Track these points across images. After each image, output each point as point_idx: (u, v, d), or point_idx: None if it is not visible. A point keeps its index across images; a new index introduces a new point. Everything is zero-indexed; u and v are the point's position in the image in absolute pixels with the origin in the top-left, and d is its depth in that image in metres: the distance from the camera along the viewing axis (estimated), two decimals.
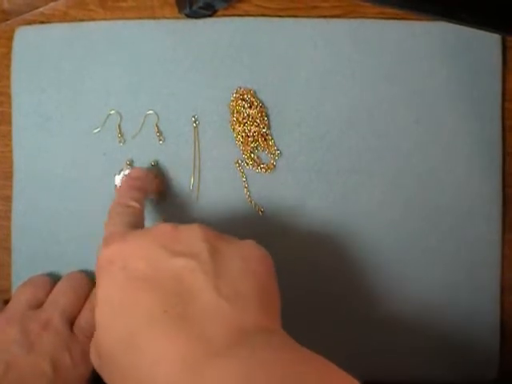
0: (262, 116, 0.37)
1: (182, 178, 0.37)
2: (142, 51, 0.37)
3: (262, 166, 0.37)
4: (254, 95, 0.37)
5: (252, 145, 0.37)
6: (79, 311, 0.34)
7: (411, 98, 0.37)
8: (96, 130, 0.37)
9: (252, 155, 0.37)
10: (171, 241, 0.26)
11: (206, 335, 0.23)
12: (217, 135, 0.37)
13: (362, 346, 0.37)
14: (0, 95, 0.38)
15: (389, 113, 0.37)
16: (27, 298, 0.34)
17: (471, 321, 0.37)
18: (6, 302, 0.36)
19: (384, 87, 0.37)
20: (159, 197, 0.37)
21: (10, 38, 0.38)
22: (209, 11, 0.37)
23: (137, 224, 0.30)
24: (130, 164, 0.37)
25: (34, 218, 0.37)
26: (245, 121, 0.37)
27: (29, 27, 0.38)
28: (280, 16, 0.38)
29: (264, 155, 0.37)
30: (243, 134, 0.37)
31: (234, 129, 0.37)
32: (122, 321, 0.24)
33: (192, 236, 0.27)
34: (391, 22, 0.38)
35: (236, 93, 0.37)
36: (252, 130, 0.37)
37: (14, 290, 0.37)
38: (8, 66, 0.38)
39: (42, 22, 0.38)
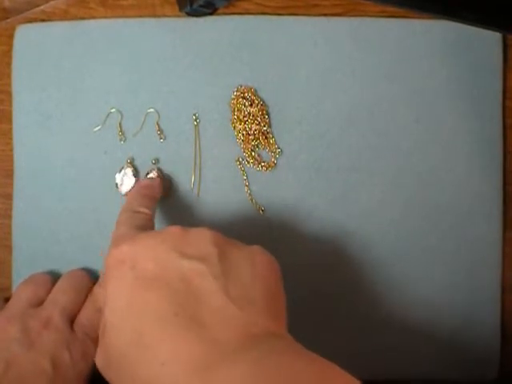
0: (262, 114, 0.37)
1: (183, 176, 0.37)
2: (142, 49, 0.37)
3: (262, 164, 0.37)
4: (255, 93, 0.37)
5: (253, 143, 0.37)
6: (79, 309, 0.34)
7: (411, 96, 0.37)
8: (97, 128, 0.37)
9: (253, 153, 0.37)
10: (181, 243, 0.26)
11: (217, 338, 0.23)
12: (217, 133, 0.37)
13: (362, 345, 0.37)
14: (0, 93, 0.38)
15: (389, 111, 0.37)
16: (28, 296, 0.34)
17: (471, 320, 0.37)
18: (7, 300, 0.36)
19: (384, 85, 0.37)
20: (161, 195, 0.37)
21: (11, 36, 0.38)
22: (209, 9, 0.37)
23: (146, 228, 0.30)
24: (131, 162, 0.37)
25: (35, 216, 0.37)
26: (245, 119, 0.37)
27: (29, 25, 0.38)
28: (280, 14, 0.38)
29: (265, 153, 0.37)
30: (244, 132, 0.37)
31: (234, 127, 0.37)
32: (131, 320, 0.25)
33: (201, 239, 0.27)
34: (392, 20, 0.38)
35: (237, 91, 0.37)
36: (253, 128, 0.37)
37: (14, 288, 0.37)
38: (9, 64, 0.38)
39: (43, 20, 0.38)
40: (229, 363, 0.22)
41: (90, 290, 0.36)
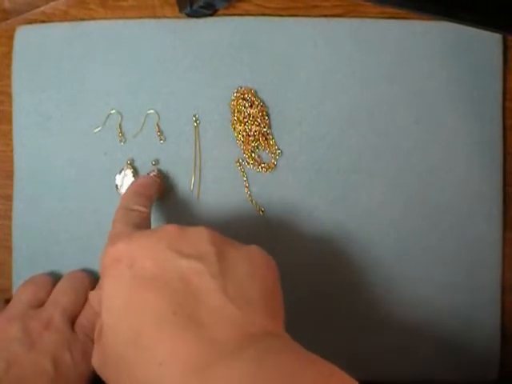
0: (262, 115, 0.37)
1: (183, 178, 0.37)
2: (142, 50, 0.37)
3: (262, 165, 0.37)
4: (255, 94, 0.37)
5: (253, 144, 0.37)
6: (80, 310, 0.34)
7: (411, 97, 0.37)
8: (97, 130, 0.37)
9: (253, 154, 0.37)
10: (178, 242, 0.26)
11: (215, 338, 0.23)
12: (217, 134, 0.37)
13: (362, 346, 0.37)
14: (0, 94, 0.38)
15: (389, 112, 0.37)
16: (28, 298, 0.34)
17: (471, 321, 0.37)
18: (7, 301, 0.36)
19: (384, 86, 0.37)
20: (160, 196, 0.37)
21: (11, 37, 0.38)
22: (209, 10, 0.37)
23: (142, 226, 0.30)
24: (131, 163, 0.37)
25: (35, 217, 0.37)
26: (245, 120, 0.37)
27: (29, 26, 0.38)
28: (280, 15, 0.38)
29: (265, 154, 0.37)
30: (244, 134, 0.37)
31: (234, 128, 0.37)
32: (129, 319, 0.24)
33: (199, 238, 0.26)
34: (392, 21, 0.38)
35: (237, 92, 0.37)
36: (253, 130, 0.37)
37: (14, 289, 0.37)
38: (9, 65, 0.38)
39: (43, 22, 0.38)
40: (227, 363, 0.22)
41: (90, 290, 0.36)
